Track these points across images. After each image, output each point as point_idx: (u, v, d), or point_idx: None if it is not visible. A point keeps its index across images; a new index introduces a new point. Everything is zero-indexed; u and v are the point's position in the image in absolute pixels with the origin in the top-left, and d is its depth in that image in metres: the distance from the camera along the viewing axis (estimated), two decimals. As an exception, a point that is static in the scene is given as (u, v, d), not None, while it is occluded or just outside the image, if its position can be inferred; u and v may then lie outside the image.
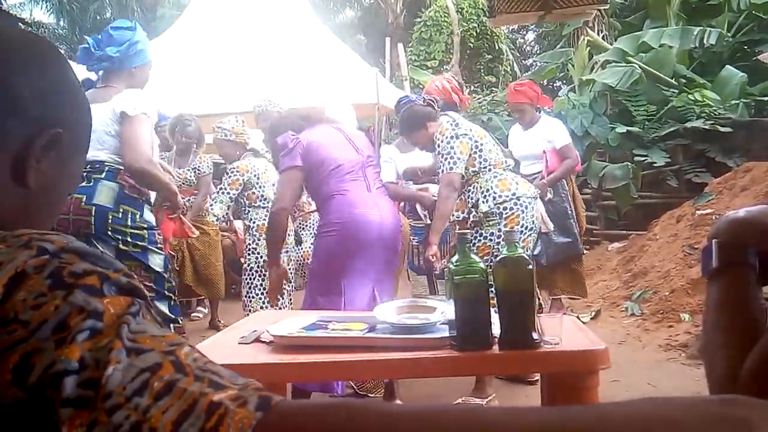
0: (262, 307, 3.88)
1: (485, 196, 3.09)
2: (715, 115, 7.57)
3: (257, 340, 1.82)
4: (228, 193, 4.00)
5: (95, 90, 2.68)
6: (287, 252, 3.99)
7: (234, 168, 4.03)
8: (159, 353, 0.47)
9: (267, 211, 3.93)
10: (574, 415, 0.42)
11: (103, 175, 2.58)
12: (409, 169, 3.77)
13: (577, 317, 4.08)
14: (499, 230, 3.02)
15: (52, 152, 0.64)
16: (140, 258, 2.61)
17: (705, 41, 8.27)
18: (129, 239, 2.58)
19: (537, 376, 3.43)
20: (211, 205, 4.22)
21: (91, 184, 2.56)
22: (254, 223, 4.02)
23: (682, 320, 4.34)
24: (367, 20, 17.89)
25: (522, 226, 3.05)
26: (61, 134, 0.64)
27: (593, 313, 5.05)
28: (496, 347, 1.60)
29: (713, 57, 9.01)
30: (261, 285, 3.96)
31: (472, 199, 3.13)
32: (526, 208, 3.09)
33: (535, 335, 1.58)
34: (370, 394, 3.28)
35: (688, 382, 3.47)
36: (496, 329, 1.62)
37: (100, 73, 2.75)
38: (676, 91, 8.19)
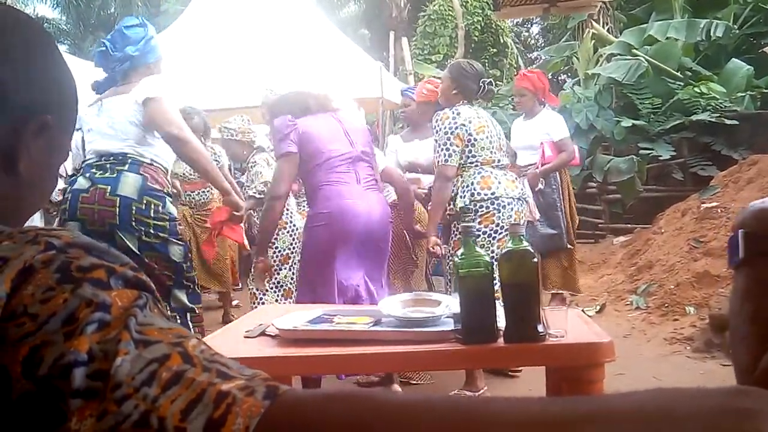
0: (276, 301, 3.89)
1: (464, 191, 3.11)
2: (720, 107, 7.53)
3: (263, 333, 1.82)
4: (257, 187, 3.98)
5: (115, 88, 2.76)
6: (293, 245, 3.98)
7: (256, 161, 4.01)
8: (167, 345, 0.47)
9: None
10: (580, 404, 0.42)
11: (126, 167, 2.65)
12: (409, 164, 3.81)
13: (582, 311, 4.08)
14: (474, 227, 3.06)
15: (41, 139, 0.63)
16: (161, 249, 2.68)
17: (711, 34, 8.22)
18: (151, 230, 2.65)
19: (520, 369, 3.46)
20: (254, 188, 4.05)
21: (115, 175, 2.62)
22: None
23: (687, 314, 4.33)
24: (371, 14, 17.82)
25: (497, 225, 3.06)
26: (49, 120, 0.63)
27: (598, 307, 5.05)
28: (501, 340, 1.61)
29: (719, 49, 8.95)
30: (276, 279, 3.95)
31: (452, 192, 3.16)
32: (503, 208, 3.09)
33: (540, 328, 1.58)
34: (412, 381, 3.35)
35: (694, 376, 3.47)
36: (501, 322, 1.62)
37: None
38: (682, 84, 8.15)
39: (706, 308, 4.12)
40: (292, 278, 3.96)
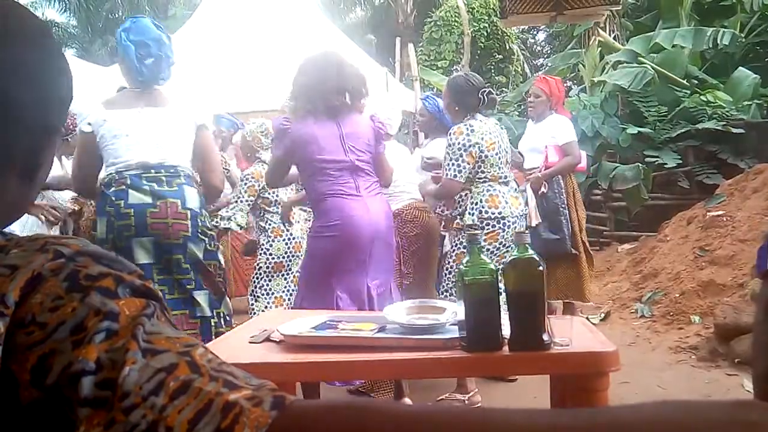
0: (266, 308, 3.87)
1: (472, 209, 3.18)
2: (727, 116, 7.52)
3: (267, 339, 1.82)
4: (246, 200, 4.03)
5: (146, 95, 2.70)
6: (288, 253, 3.98)
7: (248, 175, 4.05)
8: (174, 354, 0.47)
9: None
10: (587, 416, 0.42)
11: (183, 180, 2.66)
12: (432, 164, 3.68)
13: (587, 318, 4.06)
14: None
15: (52, 146, 0.64)
16: (216, 257, 2.75)
17: (718, 42, 8.21)
18: (209, 240, 2.71)
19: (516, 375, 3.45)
20: (232, 216, 4.08)
21: (176, 189, 2.63)
22: (270, 225, 4.02)
23: (693, 322, 4.32)
24: (377, 20, 17.87)
25: (500, 243, 3.16)
26: (59, 130, 0.65)
27: (603, 315, 5.04)
28: (505, 348, 1.60)
29: (726, 58, 8.94)
30: (267, 286, 3.95)
31: (460, 206, 3.22)
32: (509, 227, 3.18)
33: (545, 337, 1.58)
34: (371, 394, 3.30)
35: (698, 385, 3.45)
36: (506, 330, 1.62)
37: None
38: (688, 92, 8.14)
39: (711, 317, 4.10)
40: (285, 288, 3.96)
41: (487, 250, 3.10)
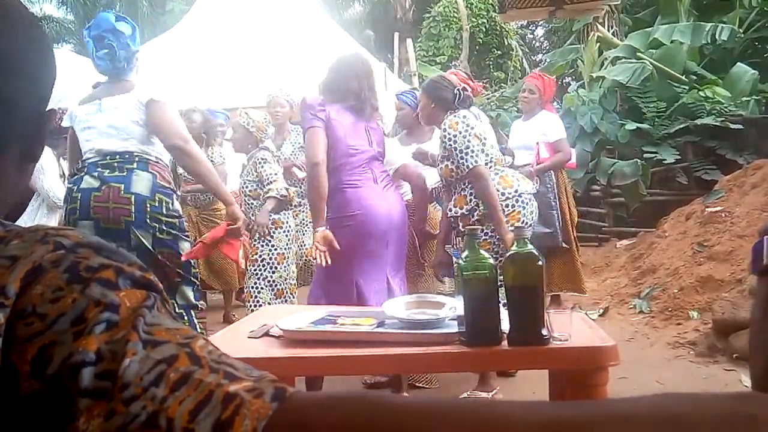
0: (272, 300, 3.88)
1: None
2: (725, 112, 7.52)
3: (266, 334, 1.83)
4: (276, 173, 3.98)
5: (110, 86, 2.75)
6: (288, 244, 3.99)
7: (263, 158, 3.98)
8: (175, 345, 0.47)
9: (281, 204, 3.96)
10: (590, 409, 0.42)
11: (135, 166, 2.67)
12: (418, 153, 3.60)
13: (586, 314, 4.06)
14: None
15: (45, 134, 0.66)
16: (172, 245, 2.72)
17: (717, 38, 8.21)
18: (164, 227, 2.68)
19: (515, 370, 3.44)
20: (275, 190, 3.92)
21: (125, 174, 2.65)
22: (270, 216, 3.96)
23: (691, 318, 4.33)
24: (375, 15, 17.83)
25: (522, 222, 3.05)
26: (49, 115, 0.65)
27: (601, 310, 5.04)
28: (504, 343, 1.61)
29: (724, 53, 8.94)
30: (271, 278, 3.94)
31: (476, 196, 3.07)
32: (526, 204, 3.12)
33: (544, 331, 1.58)
34: (417, 384, 3.34)
35: (697, 380, 3.46)
36: (505, 325, 1.62)
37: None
38: (687, 87, 8.13)
39: (709, 313, 4.11)
40: (285, 279, 3.97)
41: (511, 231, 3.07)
